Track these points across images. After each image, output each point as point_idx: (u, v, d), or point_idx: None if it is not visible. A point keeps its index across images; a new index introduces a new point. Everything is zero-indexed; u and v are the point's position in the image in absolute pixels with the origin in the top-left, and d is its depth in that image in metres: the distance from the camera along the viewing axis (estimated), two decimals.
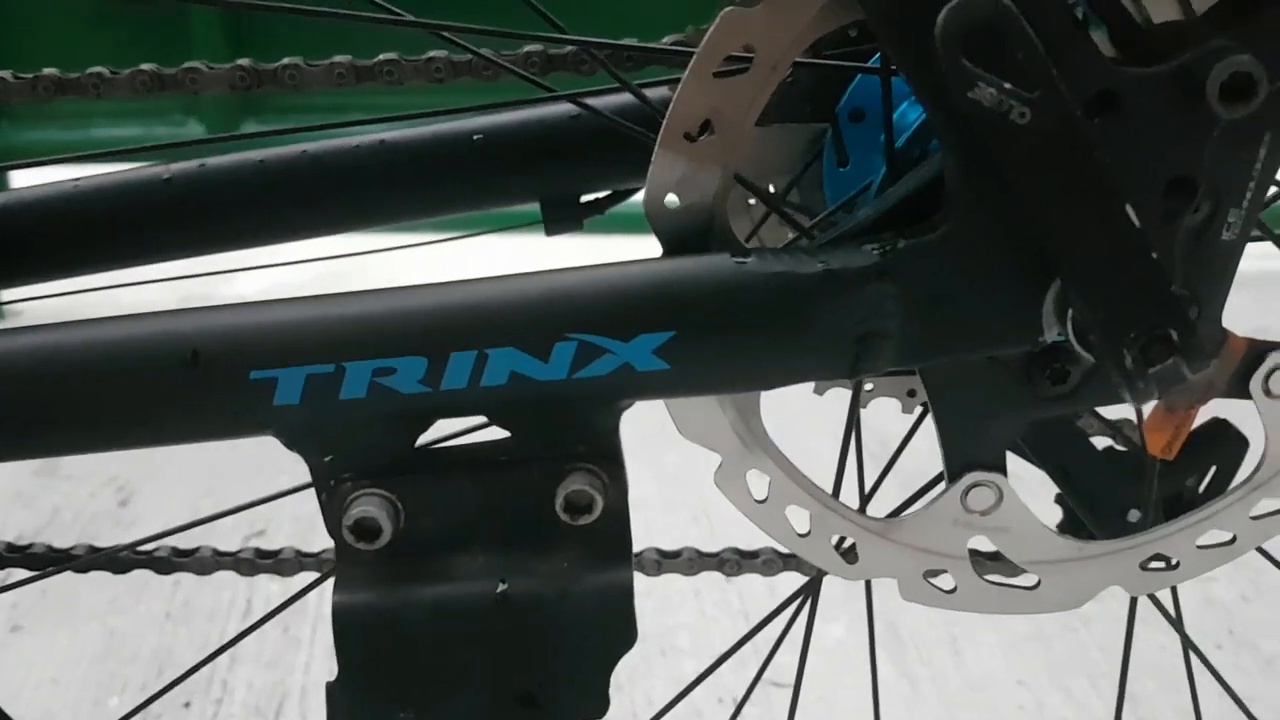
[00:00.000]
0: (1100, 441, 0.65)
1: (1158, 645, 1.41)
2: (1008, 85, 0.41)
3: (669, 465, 1.54)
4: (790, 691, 0.79)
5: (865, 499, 0.60)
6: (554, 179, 0.73)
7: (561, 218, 0.75)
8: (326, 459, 0.49)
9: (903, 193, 0.48)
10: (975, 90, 0.41)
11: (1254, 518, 0.54)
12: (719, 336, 0.47)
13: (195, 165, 0.72)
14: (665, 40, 0.67)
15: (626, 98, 0.66)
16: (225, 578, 0.86)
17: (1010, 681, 1.41)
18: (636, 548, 0.76)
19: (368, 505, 0.49)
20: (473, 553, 0.50)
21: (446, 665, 0.50)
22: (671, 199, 0.49)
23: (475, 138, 0.72)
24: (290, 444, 0.49)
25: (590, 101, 0.65)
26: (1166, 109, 0.44)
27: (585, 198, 0.75)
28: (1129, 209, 0.43)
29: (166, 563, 0.80)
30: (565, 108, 0.69)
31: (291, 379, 0.47)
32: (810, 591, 0.66)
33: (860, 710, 1.08)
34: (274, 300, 0.49)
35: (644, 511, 1.32)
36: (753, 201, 0.72)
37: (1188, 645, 0.76)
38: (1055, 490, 0.66)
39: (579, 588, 0.50)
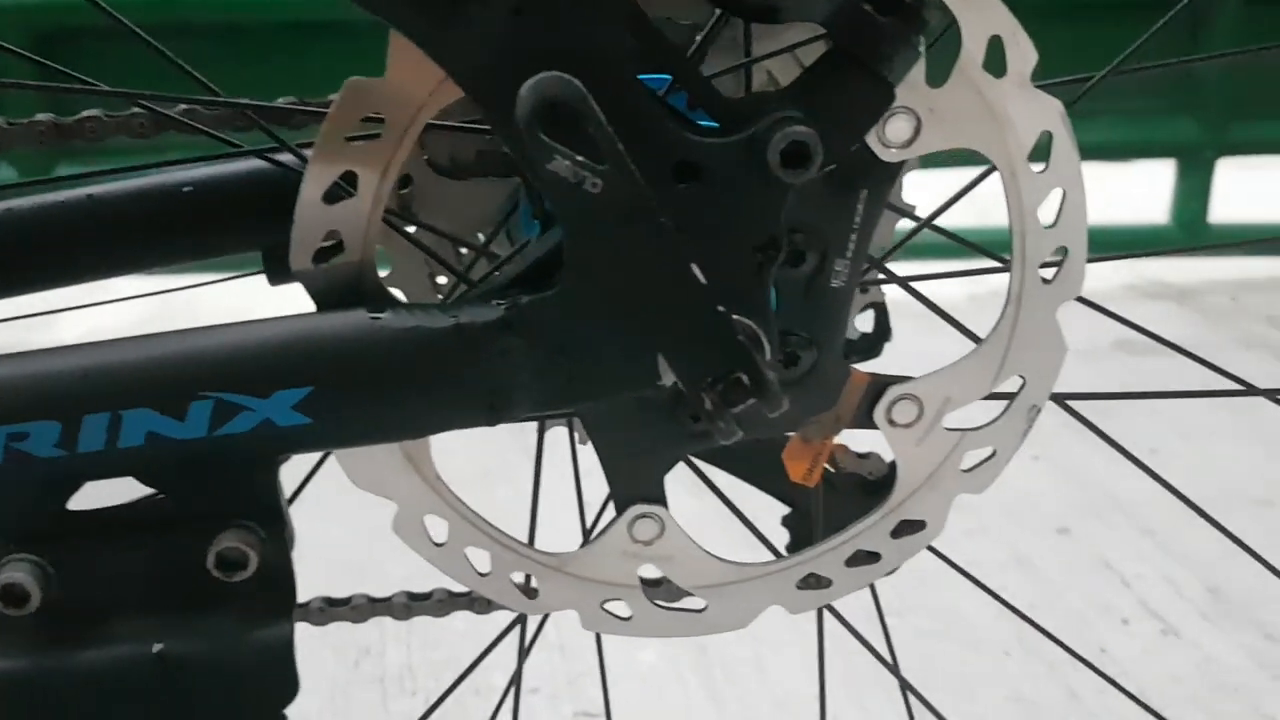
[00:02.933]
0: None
1: (950, 653, 1.49)
2: (580, 158, 0.44)
3: None
4: None
5: (532, 535, 0.62)
6: (271, 228, 0.74)
7: (282, 268, 0.75)
8: None
9: (539, 252, 0.51)
10: (553, 162, 0.44)
11: (893, 536, 0.58)
12: (356, 390, 0.49)
13: None
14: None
15: None
16: None
17: (811, 697, 1.46)
18: None
19: (14, 571, 0.49)
20: (128, 615, 0.51)
21: None
22: (316, 258, 0.51)
23: (185, 189, 0.72)
24: None
25: (284, 158, 0.66)
26: (743, 175, 0.48)
27: None
28: (694, 268, 0.46)
29: None
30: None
31: None
32: (520, 623, 0.68)
33: None
34: None
35: None
36: None
37: (905, 687, 0.80)
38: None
39: (237, 645, 0.50)
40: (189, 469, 0.49)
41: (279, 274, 0.75)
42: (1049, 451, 2.02)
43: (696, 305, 0.47)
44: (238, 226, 0.73)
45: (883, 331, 0.83)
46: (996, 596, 0.83)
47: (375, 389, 0.49)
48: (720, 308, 0.47)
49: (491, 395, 0.50)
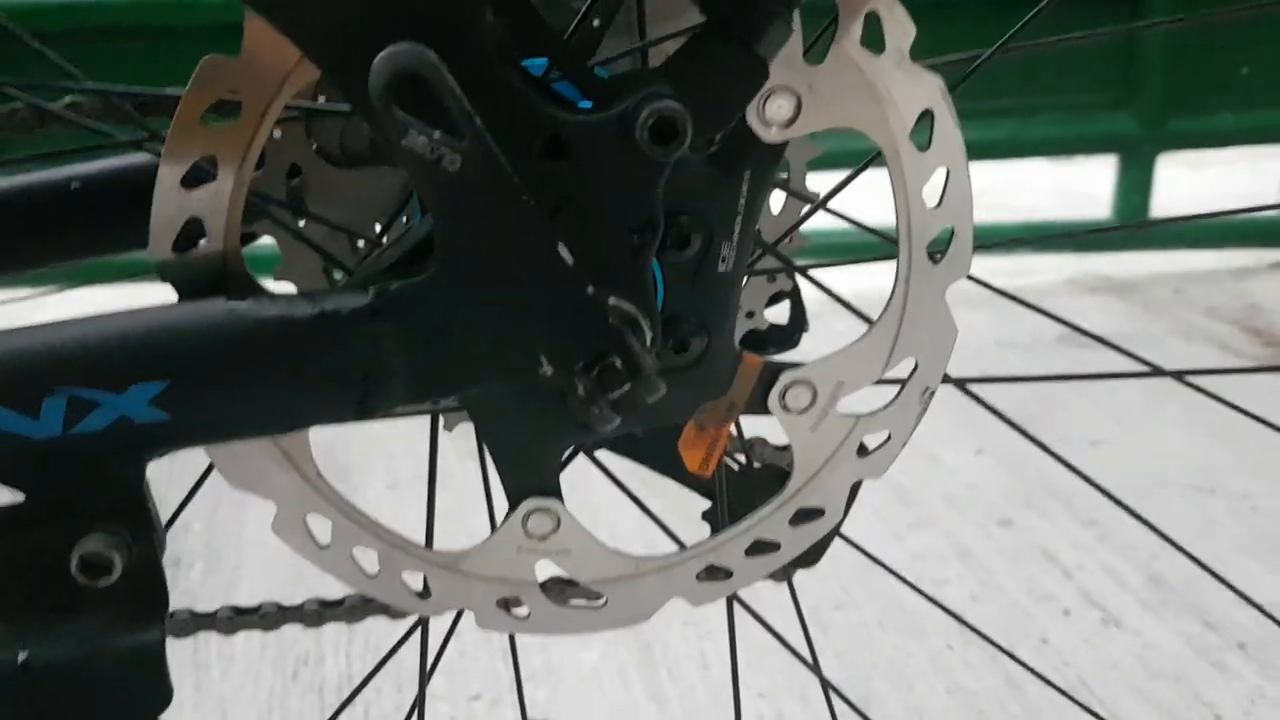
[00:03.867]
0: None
1: (891, 645, 1.49)
2: (437, 134, 0.42)
3: None
4: None
5: (431, 533, 0.60)
6: None
7: None
8: None
9: (416, 237, 0.49)
10: (408, 137, 0.42)
11: (791, 524, 0.57)
12: (215, 383, 0.47)
13: None
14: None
15: None
16: None
17: (754, 695, 1.45)
18: None
19: None
20: None
21: None
22: (177, 248, 0.49)
23: (72, 185, 0.69)
24: None
25: None
26: (614, 152, 0.46)
27: None
28: (561, 249, 0.45)
29: None
30: None
31: None
32: (423, 624, 0.66)
33: None
34: None
35: None
36: None
37: (826, 685, 0.79)
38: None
39: (104, 651, 0.48)
40: (47, 469, 0.47)
41: None
42: (991, 444, 2.03)
43: (565, 287, 0.46)
44: (129, 222, 0.71)
45: (798, 322, 0.82)
46: (927, 596, 0.83)
47: (234, 382, 0.47)
48: (590, 289, 0.46)
49: (362, 386, 0.48)
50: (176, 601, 0.73)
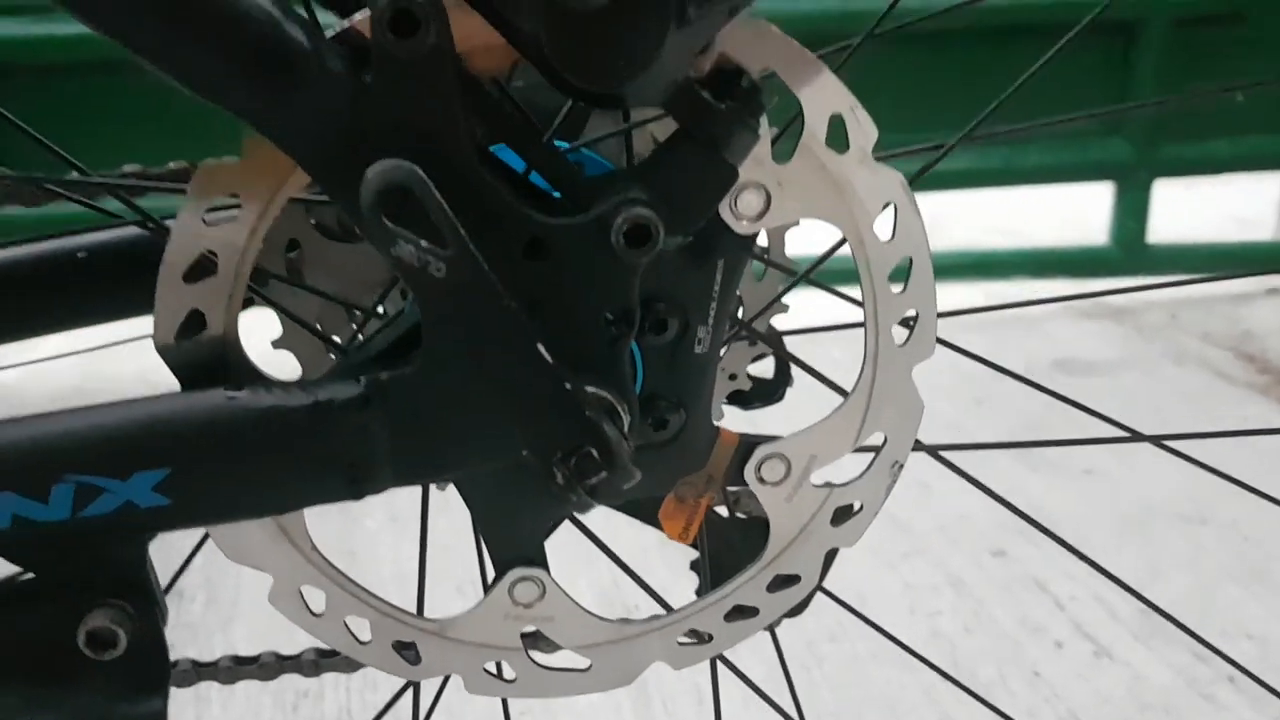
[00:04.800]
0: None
1: (884, 678, 1.51)
2: (424, 243, 0.45)
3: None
4: None
5: (421, 600, 0.63)
6: None
7: None
8: None
9: (404, 326, 0.52)
10: (397, 247, 0.45)
11: (769, 590, 0.59)
12: (213, 470, 0.50)
13: None
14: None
15: None
16: None
17: None
18: None
19: None
20: (2, 691, 0.51)
21: None
22: (179, 336, 0.51)
23: (80, 255, 0.72)
24: None
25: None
26: (590, 253, 0.49)
27: None
28: (540, 348, 0.48)
29: None
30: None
31: None
32: (413, 688, 0.68)
33: None
34: None
35: None
36: None
37: None
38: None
39: None
40: (55, 550, 0.50)
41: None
42: (985, 475, 2.05)
43: (544, 383, 0.48)
44: (134, 289, 0.74)
45: (783, 378, 0.84)
46: (901, 644, 0.85)
47: (232, 468, 0.50)
48: (567, 385, 0.48)
49: (352, 470, 0.50)
50: (177, 634, 0.75)
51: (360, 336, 0.71)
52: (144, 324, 0.79)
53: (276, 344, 0.69)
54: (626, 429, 0.50)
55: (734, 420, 0.68)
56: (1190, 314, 2.71)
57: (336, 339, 0.70)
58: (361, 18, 0.46)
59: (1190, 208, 3.14)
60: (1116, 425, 0.76)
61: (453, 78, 0.45)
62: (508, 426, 0.50)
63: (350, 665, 0.85)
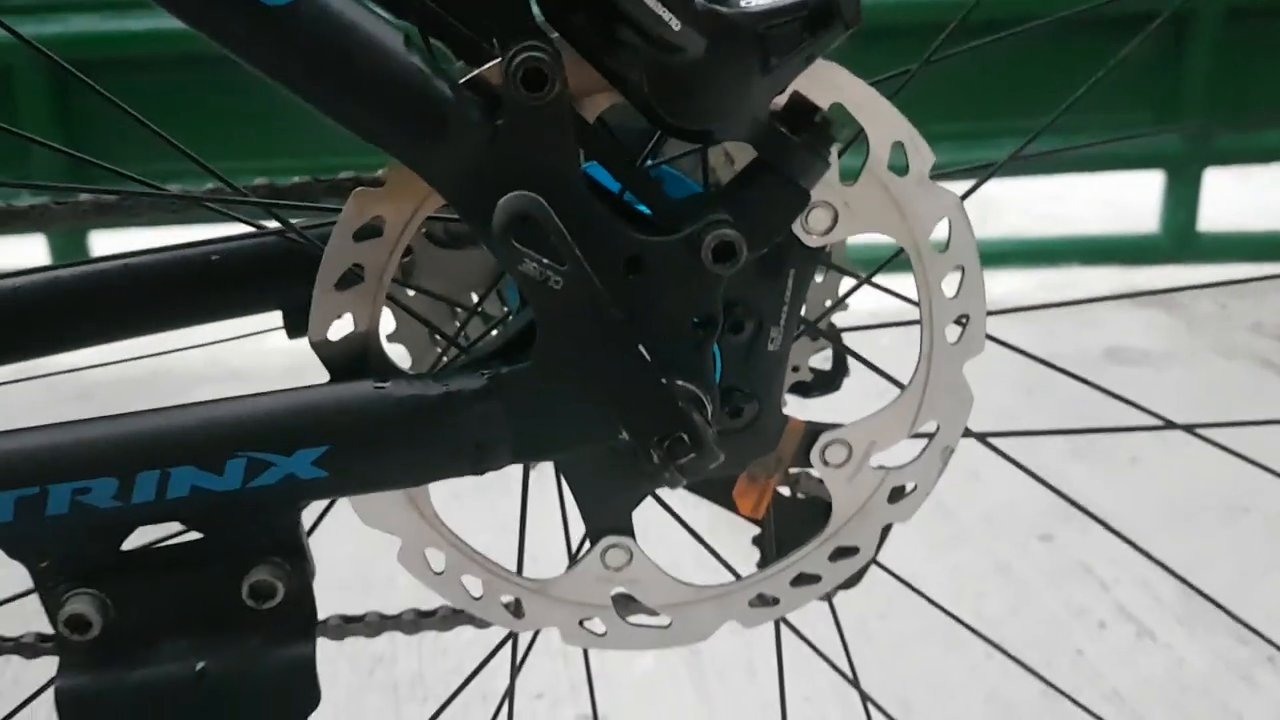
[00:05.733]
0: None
1: (932, 655, 1.57)
2: (545, 260, 0.53)
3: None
4: None
5: (520, 562, 0.71)
6: (289, 291, 0.84)
7: (300, 323, 0.85)
8: (42, 565, 0.59)
9: (516, 327, 0.61)
10: (523, 264, 0.53)
11: (830, 559, 0.67)
12: (365, 449, 0.58)
13: None
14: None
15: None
16: None
17: (799, 699, 1.54)
18: None
19: (78, 603, 0.58)
20: (175, 638, 0.60)
21: None
22: (331, 333, 0.60)
23: (213, 257, 0.81)
24: (10, 554, 0.58)
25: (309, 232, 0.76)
26: (681, 267, 0.57)
27: None
28: (641, 349, 0.56)
29: None
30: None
31: (3, 501, 0.56)
32: (512, 639, 0.77)
33: None
34: None
35: None
36: None
37: (865, 699, 0.89)
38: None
39: (266, 662, 0.60)
40: (226, 515, 0.58)
41: (296, 329, 0.85)
42: (1033, 459, 2.09)
43: (644, 378, 0.57)
44: (259, 288, 0.83)
45: (840, 370, 0.92)
46: (953, 616, 0.91)
47: (380, 447, 0.58)
48: (664, 380, 0.56)
49: (476, 450, 0.59)
50: None
51: (464, 332, 0.80)
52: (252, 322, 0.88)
53: (391, 337, 0.78)
54: (710, 417, 0.58)
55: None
56: (1240, 304, 2.72)
57: (447, 334, 0.78)
58: (490, 67, 0.55)
59: (1241, 196, 3.14)
60: (1155, 416, 0.82)
61: (570, 120, 0.54)
62: (609, 413, 0.58)
63: (413, 628, 0.93)
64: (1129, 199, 3.10)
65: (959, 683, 1.50)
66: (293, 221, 0.75)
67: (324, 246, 0.60)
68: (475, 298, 0.81)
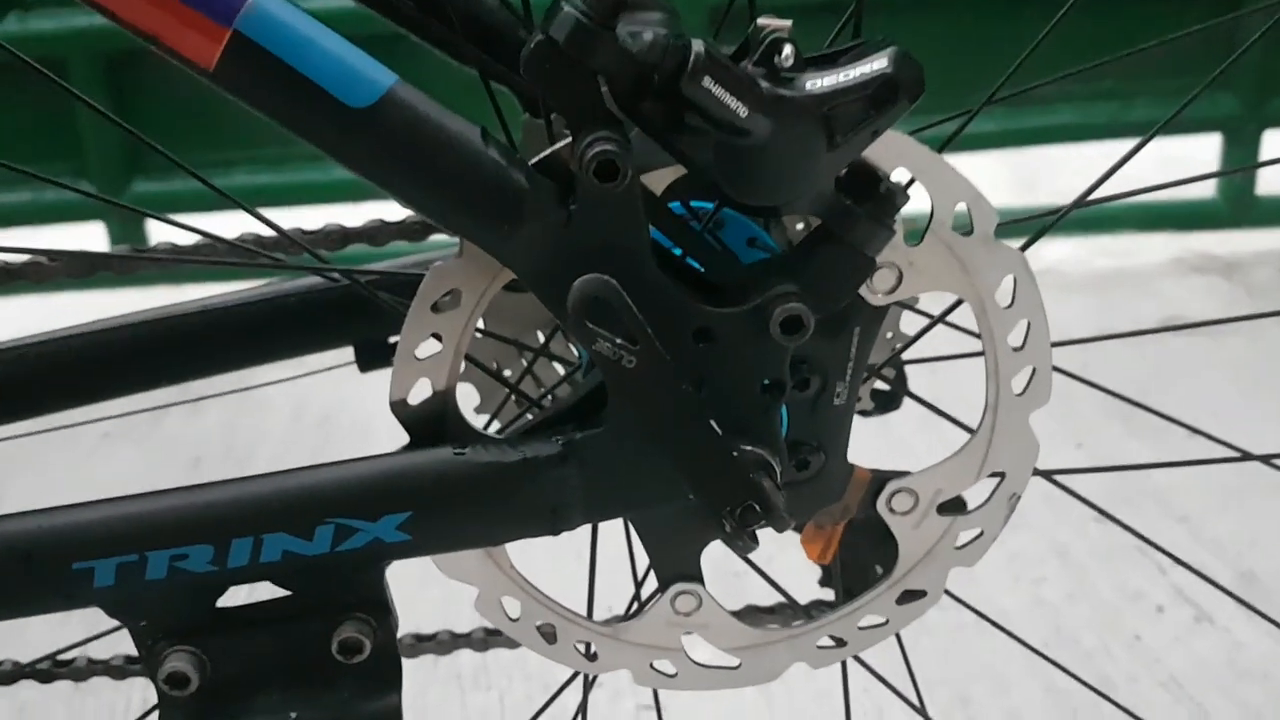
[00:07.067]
0: None
1: (989, 647, 1.57)
2: (619, 340, 0.55)
3: None
4: None
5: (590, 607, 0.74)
6: (362, 328, 0.86)
7: (372, 358, 0.88)
8: (142, 624, 0.62)
9: (586, 388, 0.62)
10: (596, 344, 0.55)
11: (898, 603, 0.68)
12: (447, 513, 0.61)
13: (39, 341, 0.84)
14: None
15: None
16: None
17: (856, 690, 1.56)
18: None
19: (177, 661, 0.62)
20: (268, 691, 0.63)
21: None
22: (410, 397, 0.62)
23: (290, 299, 0.84)
24: (112, 614, 0.61)
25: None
26: (749, 337, 0.59)
27: (393, 339, 0.88)
28: (712, 423, 0.57)
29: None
30: None
31: (105, 567, 0.60)
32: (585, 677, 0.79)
33: None
34: (88, 503, 0.61)
35: None
36: None
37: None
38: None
39: (356, 713, 0.63)
40: (315, 576, 0.61)
41: (368, 364, 0.88)
42: (1090, 439, 2.08)
43: (715, 452, 0.58)
44: (331, 327, 0.86)
45: (900, 388, 0.92)
46: (1010, 633, 0.92)
47: (460, 511, 0.61)
48: (734, 454, 0.58)
49: (552, 513, 0.61)
50: None
51: (533, 371, 0.82)
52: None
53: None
54: (779, 480, 0.60)
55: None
56: None
57: (508, 372, 0.80)
58: (561, 147, 0.56)
59: None
60: (1225, 445, 0.82)
61: (640, 202, 0.55)
62: (681, 485, 0.59)
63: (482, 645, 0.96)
64: (1189, 157, 3.04)
65: (1017, 676, 1.50)
66: (362, 268, 0.77)
67: (384, 298, 0.63)
68: (540, 335, 0.82)
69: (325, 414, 2.30)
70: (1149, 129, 2.59)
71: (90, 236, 2.74)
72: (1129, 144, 0.68)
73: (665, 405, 0.57)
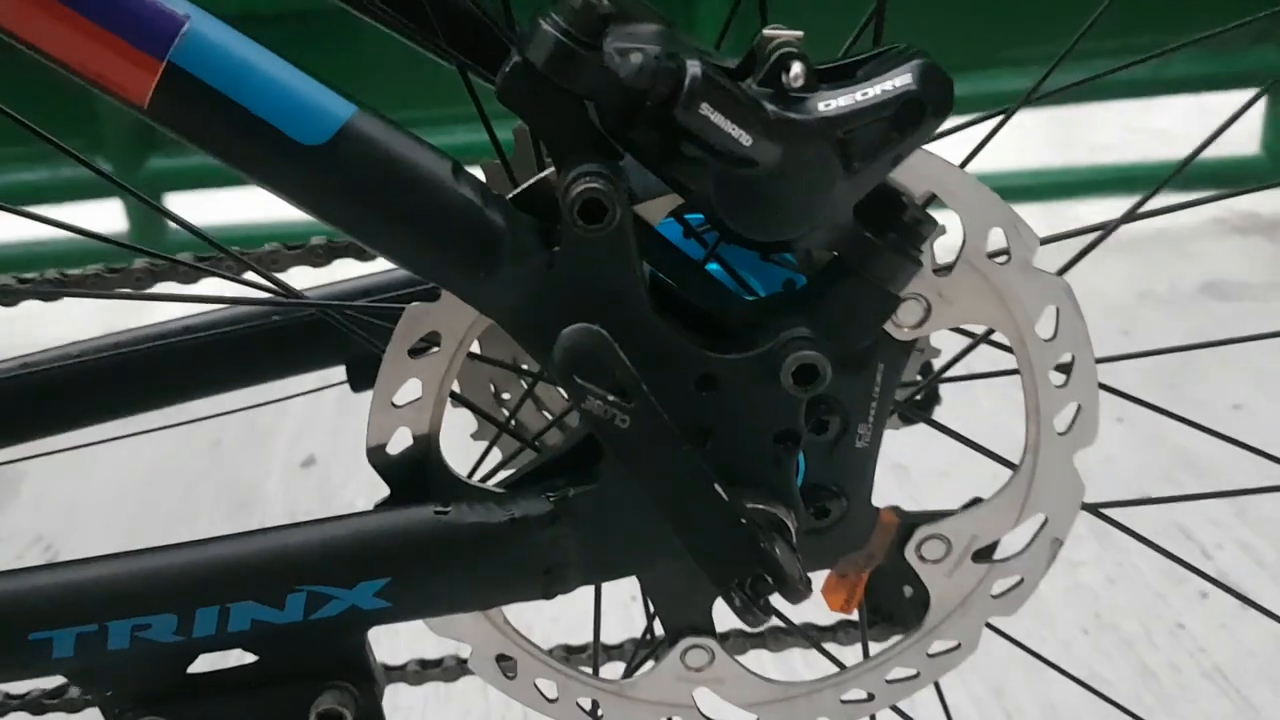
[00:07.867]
0: None
1: (1025, 632, 1.52)
2: (611, 398, 0.49)
3: None
4: None
5: (595, 665, 0.68)
6: (350, 348, 0.81)
7: (363, 376, 0.83)
8: (108, 694, 0.57)
9: (577, 438, 0.57)
10: (586, 401, 0.49)
11: (930, 655, 0.62)
12: (428, 578, 0.55)
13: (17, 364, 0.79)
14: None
15: None
16: None
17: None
18: None
19: None
20: None
21: None
22: (390, 446, 0.57)
23: (274, 317, 0.79)
24: (75, 683, 0.57)
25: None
26: (759, 385, 0.52)
27: None
28: (718, 488, 0.51)
29: None
30: None
31: (64, 637, 0.55)
32: None
33: None
34: (46, 565, 0.57)
35: None
36: None
37: None
38: None
39: None
40: (289, 644, 0.56)
41: (361, 384, 0.82)
42: (1131, 414, 2.00)
43: (720, 519, 0.52)
44: (320, 346, 0.80)
45: (932, 398, 0.86)
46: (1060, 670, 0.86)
47: (444, 576, 0.55)
48: (743, 520, 0.52)
49: (546, 574, 0.56)
50: None
51: (534, 394, 0.76)
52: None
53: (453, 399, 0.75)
54: (794, 541, 0.54)
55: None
56: None
57: (507, 395, 0.74)
58: (543, 177, 0.49)
59: None
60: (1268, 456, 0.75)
61: (632, 241, 0.48)
62: (682, 550, 0.54)
63: None
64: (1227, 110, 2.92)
65: (1053, 659, 1.44)
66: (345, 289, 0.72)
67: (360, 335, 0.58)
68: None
69: (343, 392, 2.27)
70: (1187, 85, 2.48)
71: (108, 214, 2.71)
72: (1166, 101, 0.60)
73: (663, 469, 0.51)
